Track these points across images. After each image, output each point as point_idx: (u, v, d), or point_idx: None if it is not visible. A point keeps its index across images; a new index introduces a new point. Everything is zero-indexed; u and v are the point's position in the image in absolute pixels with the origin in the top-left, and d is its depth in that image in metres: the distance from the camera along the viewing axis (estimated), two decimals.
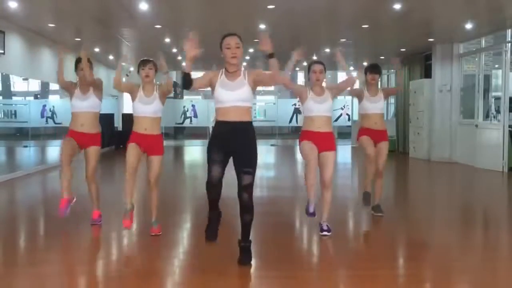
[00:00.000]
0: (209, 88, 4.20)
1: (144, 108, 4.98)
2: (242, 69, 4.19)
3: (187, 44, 3.97)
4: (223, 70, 4.16)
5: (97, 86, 5.41)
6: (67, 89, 5.44)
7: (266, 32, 4.03)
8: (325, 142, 5.01)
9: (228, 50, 4.07)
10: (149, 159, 5.03)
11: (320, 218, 5.11)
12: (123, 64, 5.34)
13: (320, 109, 5.03)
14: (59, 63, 5.42)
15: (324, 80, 5.22)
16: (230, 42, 4.07)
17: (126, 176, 4.95)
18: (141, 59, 5.10)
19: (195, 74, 4.25)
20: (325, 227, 5.06)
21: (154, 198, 5.11)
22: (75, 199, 5.34)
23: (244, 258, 4.15)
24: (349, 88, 5.67)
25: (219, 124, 4.11)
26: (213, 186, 4.02)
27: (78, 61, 5.38)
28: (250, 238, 4.17)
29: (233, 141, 4.02)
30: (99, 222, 5.50)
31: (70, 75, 5.55)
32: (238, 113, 4.04)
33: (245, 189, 4.03)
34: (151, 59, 5.07)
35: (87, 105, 5.36)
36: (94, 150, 5.41)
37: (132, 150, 4.95)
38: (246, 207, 4.08)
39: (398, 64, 6.48)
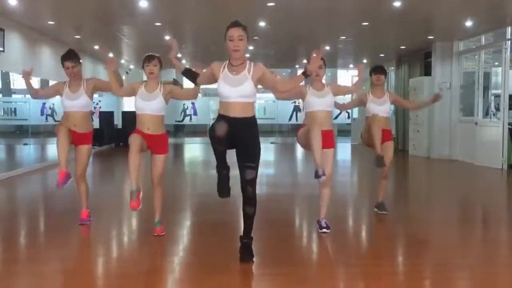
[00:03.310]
0: (211, 86, 4.14)
1: (144, 104, 4.80)
2: (248, 62, 4.03)
3: (172, 48, 3.94)
4: (227, 62, 4.03)
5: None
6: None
7: (320, 53, 4.00)
8: (325, 139, 4.95)
9: (230, 42, 3.92)
10: (152, 157, 4.91)
11: (319, 215, 5.12)
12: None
13: (321, 103, 4.98)
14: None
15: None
16: (233, 34, 3.91)
17: (130, 156, 4.72)
18: (146, 54, 4.93)
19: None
20: (323, 224, 5.06)
21: (158, 197, 4.98)
22: (72, 178, 5.16)
23: (245, 255, 4.11)
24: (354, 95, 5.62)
25: (221, 117, 4.00)
26: (219, 139, 3.82)
27: (63, 60, 5.24)
28: (252, 235, 4.16)
29: (236, 134, 3.90)
30: (88, 222, 5.38)
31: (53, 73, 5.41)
32: (240, 109, 3.96)
33: (249, 183, 3.98)
34: (156, 54, 4.90)
35: (78, 104, 5.25)
36: (85, 149, 5.31)
37: (136, 136, 4.72)
38: (250, 200, 4.01)
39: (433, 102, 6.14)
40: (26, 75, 5.26)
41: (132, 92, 4.95)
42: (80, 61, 5.37)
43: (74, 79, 5.29)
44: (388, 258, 4.46)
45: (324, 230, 5.02)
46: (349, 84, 11.32)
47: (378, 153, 5.56)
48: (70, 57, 5.28)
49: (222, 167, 4.00)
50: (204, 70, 4.23)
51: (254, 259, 4.12)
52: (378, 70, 5.84)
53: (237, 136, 3.92)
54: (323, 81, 5.19)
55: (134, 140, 4.68)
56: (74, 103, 5.25)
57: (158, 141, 4.86)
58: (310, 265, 4.28)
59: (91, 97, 5.38)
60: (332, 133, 5.10)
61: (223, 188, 4.00)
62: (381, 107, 5.76)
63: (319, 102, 4.98)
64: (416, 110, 12.54)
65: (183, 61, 17.40)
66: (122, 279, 3.87)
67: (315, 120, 4.95)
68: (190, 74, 3.99)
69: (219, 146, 3.89)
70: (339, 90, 5.23)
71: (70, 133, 5.16)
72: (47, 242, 5.00)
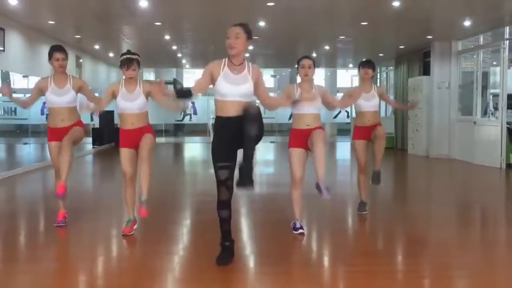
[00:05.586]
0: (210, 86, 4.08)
1: (127, 104, 4.79)
2: (246, 62, 4.03)
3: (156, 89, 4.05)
4: (226, 60, 4.00)
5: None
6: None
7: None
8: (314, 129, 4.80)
9: (227, 39, 3.93)
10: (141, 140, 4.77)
11: (316, 176, 4.67)
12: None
13: (308, 106, 4.84)
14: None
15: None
16: (230, 32, 3.93)
17: (124, 186, 4.86)
18: (124, 56, 4.79)
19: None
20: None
21: (145, 172, 4.67)
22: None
23: (245, 180, 3.85)
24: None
25: (219, 120, 3.98)
26: (224, 203, 3.94)
27: (53, 50, 5.14)
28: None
29: (235, 133, 3.83)
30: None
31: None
32: (238, 108, 3.90)
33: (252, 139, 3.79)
34: (133, 56, 4.77)
35: (66, 100, 5.17)
36: (77, 128, 5.20)
37: (125, 156, 4.80)
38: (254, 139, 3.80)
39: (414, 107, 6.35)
40: (7, 92, 5.21)
41: (112, 97, 4.91)
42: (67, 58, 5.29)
43: (59, 72, 5.19)
44: (388, 257, 4.49)
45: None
46: (348, 86, 11.25)
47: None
48: (60, 49, 5.20)
49: (227, 240, 4.09)
50: (199, 78, 4.08)
51: (251, 258, 4.12)
52: (365, 64, 5.83)
53: (238, 135, 3.81)
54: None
55: (126, 165, 4.80)
56: (62, 99, 5.16)
57: (143, 131, 4.81)
58: (310, 264, 4.29)
59: (76, 94, 5.29)
60: (321, 127, 4.89)
61: (225, 260, 4.03)
62: (369, 103, 5.77)
63: (306, 105, 4.83)
64: (414, 110, 12.59)
65: (183, 61, 17.43)
66: (121, 278, 3.89)
67: (301, 122, 4.88)
68: (184, 94, 3.92)
69: (224, 209, 3.98)
70: (326, 100, 5.05)
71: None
72: (46, 240, 5.02)
